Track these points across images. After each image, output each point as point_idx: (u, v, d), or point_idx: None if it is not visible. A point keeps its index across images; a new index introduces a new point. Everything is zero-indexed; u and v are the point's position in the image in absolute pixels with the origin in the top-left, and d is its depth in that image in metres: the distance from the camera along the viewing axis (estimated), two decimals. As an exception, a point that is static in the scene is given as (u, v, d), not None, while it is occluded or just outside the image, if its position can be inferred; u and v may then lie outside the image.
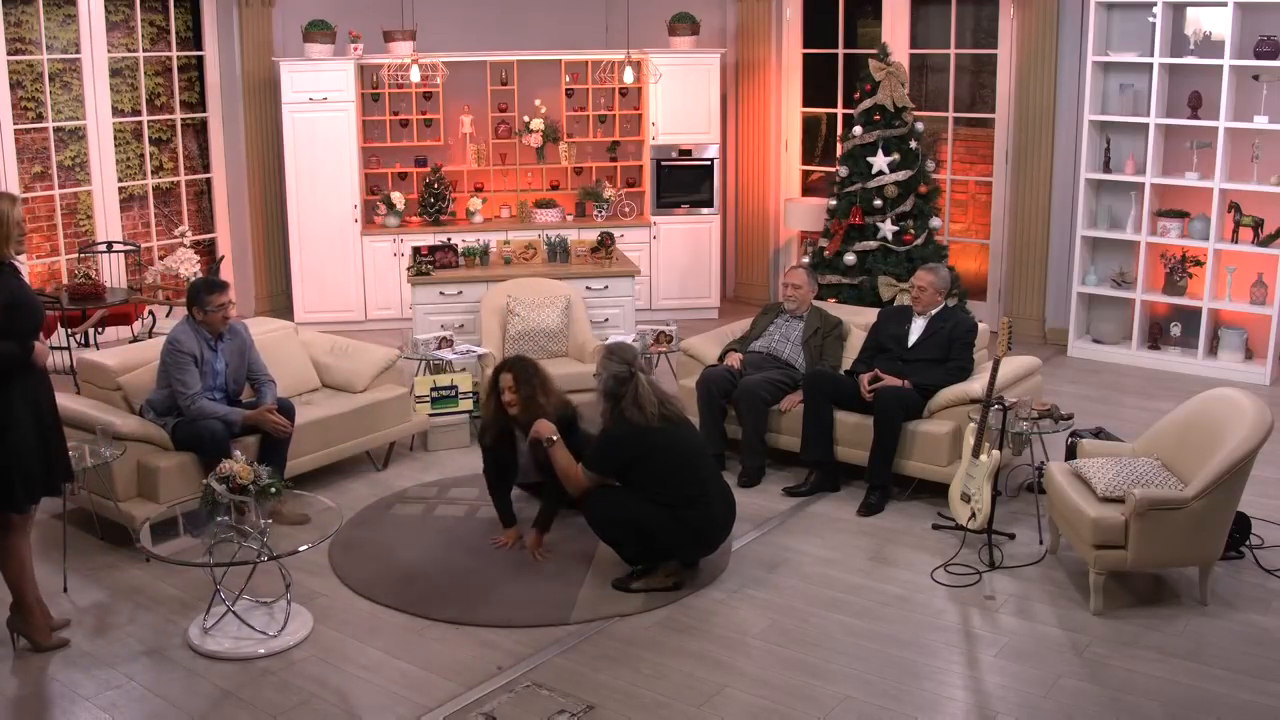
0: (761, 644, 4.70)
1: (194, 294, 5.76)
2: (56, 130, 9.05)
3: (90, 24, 9.03)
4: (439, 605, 4.99)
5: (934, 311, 6.36)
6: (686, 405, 6.08)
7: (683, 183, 10.11)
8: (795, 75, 10.33)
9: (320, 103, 9.54)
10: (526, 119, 9.97)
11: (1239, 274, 8.21)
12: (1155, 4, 8.10)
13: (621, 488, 5.10)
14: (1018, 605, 5.00)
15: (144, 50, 9.47)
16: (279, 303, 10.15)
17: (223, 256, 9.76)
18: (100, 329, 8.49)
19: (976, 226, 9.95)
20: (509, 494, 5.67)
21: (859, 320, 6.88)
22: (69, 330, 8.18)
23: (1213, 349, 8.39)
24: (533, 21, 10.31)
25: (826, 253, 8.55)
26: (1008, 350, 5.59)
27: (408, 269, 8.04)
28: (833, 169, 8.91)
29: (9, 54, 8.61)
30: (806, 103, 10.41)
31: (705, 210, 10.16)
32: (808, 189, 10.60)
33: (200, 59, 9.84)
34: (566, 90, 10.09)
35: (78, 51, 9.02)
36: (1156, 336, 8.68)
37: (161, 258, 9.35)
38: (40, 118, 8.94)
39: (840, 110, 10.06)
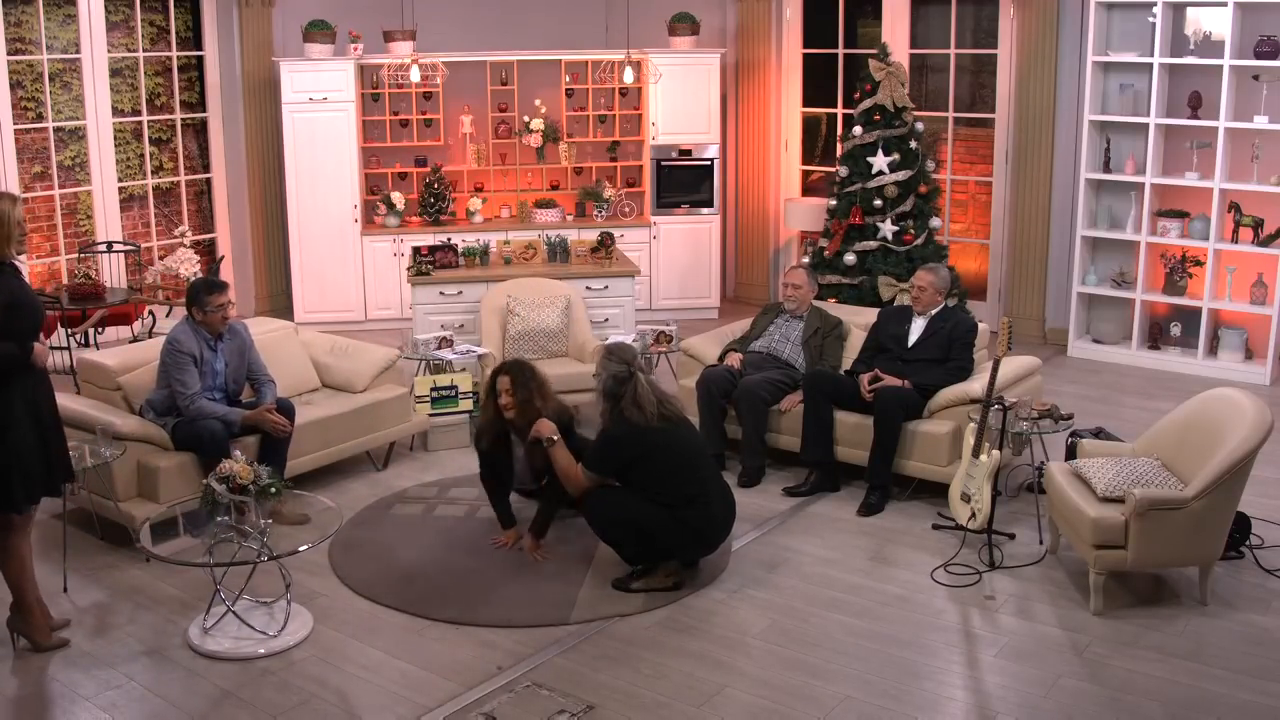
0: (761, 644, 4.70)
1: (193, 294, 5.76)
2: (56, 130, 9.05)
3: (90, 24, 9.03)
4: (439, 605, 4.99)
5: (934, 311, 6.36)
6: (686, 405, 6.08)
7: (683, 183, 10.11)
8: (795, 75, 10.33)
9: (320, 103, 9.54)
10: (526, 119, 9.97)
11: (1239, 274, 8.21)
12: (1155, 4, 8.10)
13: (621, 488, 5.10)
14: (1018, 605, 5.00)
15: (144, 50, 9.47)
16: (279, 303, 10.15)
17: (223, 256, 9.76)
18: (100, 329, 8.49)
19: (976, 226, 9.95)
20: (507, 496, 5.67)
21: (859, 320, 6.87)
22: (69, 330, 8.18)
23: (1213, 349, 8.39)
24: (533, 21, 10.31)
25: (826, 253, 8.55)
26: (1008, 350, 5.59)
27: (408, 269, 8.04)
28: (833, 169, 8.91)
29: (9, 54, 8.61)
30: (806, 103, 10.41)
31: (705, 210, 10.16)
32: (808, 189, 10.60)
33: (200, 59, 9.84)
34: (566, 90, 10.09)
35: (78, 51, 9.02)
36: (1156, 336, 8.68)
37: (161, 258, 9.35)
38: (40, 118, 8.94)
39: (840, 110, 10.06)
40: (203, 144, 10.02)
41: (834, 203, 8.61)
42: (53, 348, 7.16)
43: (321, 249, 9.74)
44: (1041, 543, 5.55)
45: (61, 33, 9.00)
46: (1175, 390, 7.64)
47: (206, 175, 10.04)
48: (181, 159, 9.84)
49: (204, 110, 9.92)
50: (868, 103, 8.42)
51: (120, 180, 9.40)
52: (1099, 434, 5.96)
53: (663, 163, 10.05)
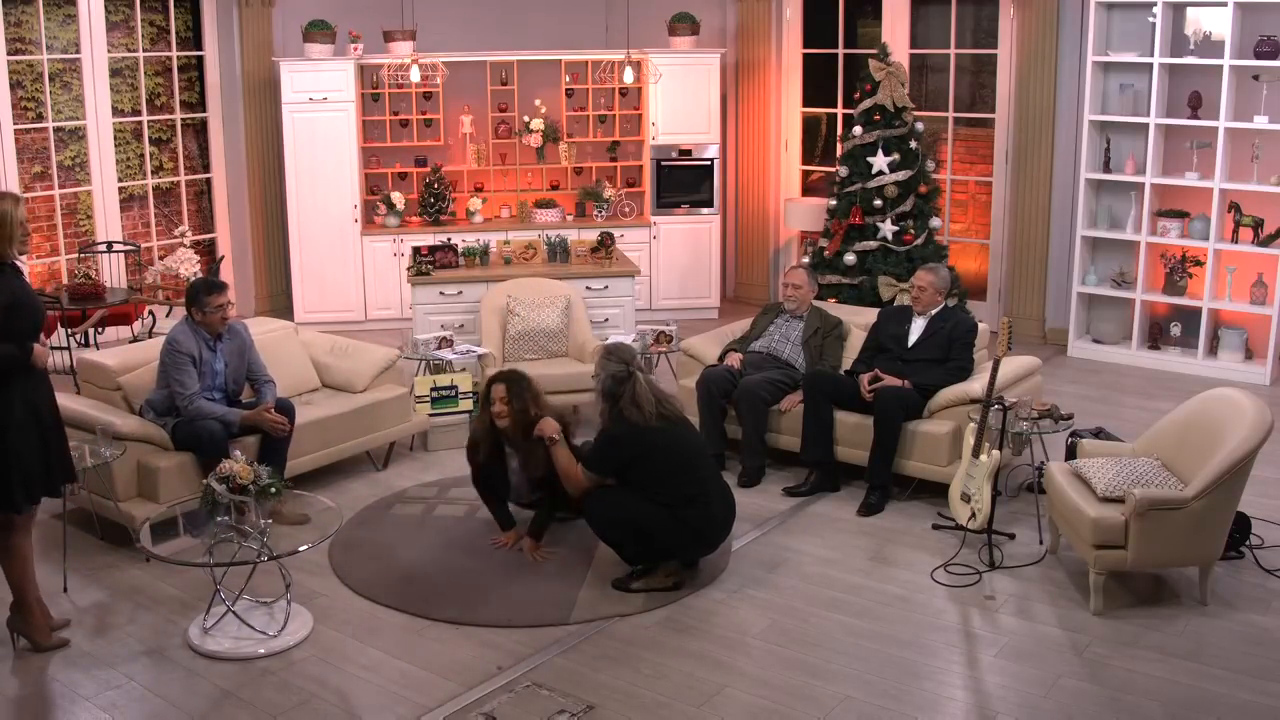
0: (761, 644, 4.70)
1: (193, 295, 5.76)
2: (56, 130, 9.05)
3: (90, 24, 9.03)
4: (439, 605, 4.99)
5: (934, 311, 6.36)
6: (686, 405, 6.08)
7: (683, 183, 10.11)
8: (795, 75, 10.33)
9: (320, 103, 9.54)
10: (526, 119, 9.97)
11: (1239, 274, 8.22)
12: (1155, 4, 8.10)
13: (621, 488, 5.10)
14: (1018, 605, 5.00)
15: (144, 50, 9.47)
16: (279, 303, 10.15)
17: (223, 256, 9.76)
18: (100, 329, 8.49)
19: (976, 226, 9.95)
20: (504, 502, 5.66)
21: (859, 320, 6.87)
22: (69, 330, 8.18)
23: (1213, 349, 8.39)
24: (533, 21, 10.31)
25: (826, 253, 8.55)
26: (1008, 350, 5.59)
27: (408, 269, 8.04)
28: (833, 169, 8.92)
29: (9, 54, 8.61)
30: (806, 103, 10.41)
31: (705, 210, 10.16)
32: (808, 189, 10.60)
33: (200, 59, 9.84)
34: (566, 90, 10.09)
35: (78, 51, 9.02)
36: (1156, 336, 8.68)
37: (161, 258, 9.35)
38: (40, 118, 8.94)
39: (840, 110, 10.06)
40: (203, 144, 10.02)
41: (834, 203, 8.62)
42: (53, 348, 7.16)
43: (321, 249, 9.74)
44: (1041, 543, 5.55)
45: (61, 33, 9.00)
46: (1175, 390, 7.64)
47: (206, 175, 10.04)
48: (181, 159, 9.84)
49: (204, 110, 9.92)
50: (868, 103, 8.43)
51: (120, 180, 9.40)
52: (1099, 434, 5.96)
53: (663, 163, 10.05)
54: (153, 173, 9.64)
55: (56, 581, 5.14)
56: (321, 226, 9.72)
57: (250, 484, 4.63)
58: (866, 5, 10.00)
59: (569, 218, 10.04)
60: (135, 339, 8.43)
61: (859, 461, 6.18)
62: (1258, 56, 7.82)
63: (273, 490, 4.68)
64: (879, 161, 8.35)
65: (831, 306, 7.23)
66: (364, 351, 6.90)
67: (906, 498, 6.12)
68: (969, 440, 5.51)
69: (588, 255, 8.25)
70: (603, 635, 4.76)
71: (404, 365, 7.13)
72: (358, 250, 9.77)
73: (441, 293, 7.88)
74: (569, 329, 7.47)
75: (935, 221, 8.50)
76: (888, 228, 8.34)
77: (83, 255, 8.77)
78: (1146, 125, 8.31)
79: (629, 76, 9.37)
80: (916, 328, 6.37)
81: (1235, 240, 8.15)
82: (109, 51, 9.19)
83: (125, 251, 9.13)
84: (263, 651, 4.61)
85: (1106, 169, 8.64)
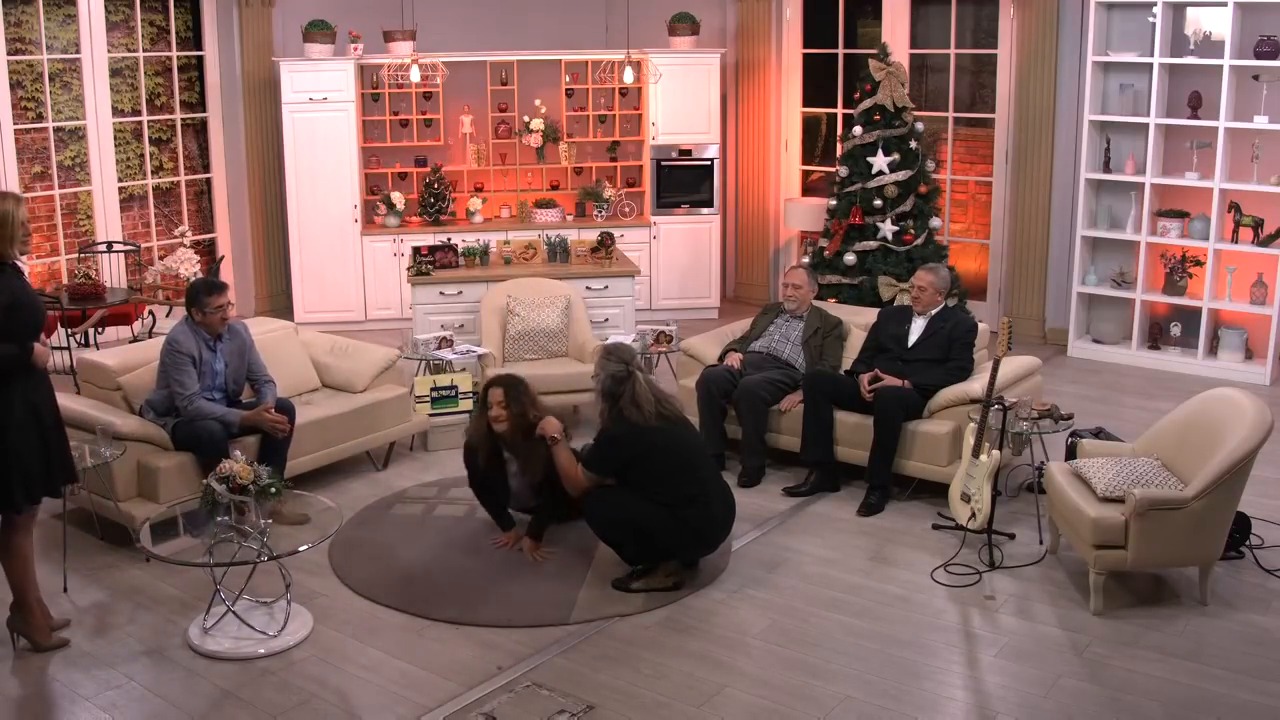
0: (761, 644, 4.70)
1: (193, 295, 5.76)
2: (56, 130, 9.05)
3: (90, 24, 9.03)
4: (439, 605, 4.99)
5: (934, 311, 6.36)
6: (686, 405, 6.08)
7: (683, 183, 10.11)
8: (795, 75, 10.33)
9: (320, 103, 9.54)
10: (526, 119, 9.97)
11: (1239, 274, 8.22)
12: (1155, 4, 8.10)
13: (621, 488, 5.10)
14: (1018, 605, 5.00)
15: (144, 50, 9.47)
16: (279, 303, 10.15)
17: (223, 256, 9.76)
18: (100, 329, 8.49)
19: (976, 226, 9.95)
20: (503, 503, 5.66)
21: (859, 320, 6.87)
22: (69, 330, 8.18)
23: (1213, 349, 8.39)
24: (533, 21, 10.31)
25: (826, 253, 8.55)
26: (1008, 350, 5.59)
27: (408, 269, 8.04)
28: (833, 169, 8.92)
29: (9, 54, 8.61)
30: (806, 103, 10.41)
31: (705, 210, 10.16)
32: (808, 189, 10.60)
33: (200, 59, 9.84)
34: (566, 90, 10.09)
35: (78, 51, 9.02)
36: (1156, 336, 8.68)
37: (161, 258, 9.35)
38: (40, 118, 8.94)
39: (840, 110, 10.06)
40: (203, 144, 10.02)
41: (834, 203, 8.62)
42: (53, 348, 7.14)
43: (321, 249, 9.74)
44: (1041, 543, 5.55)
45: (61, 33, 9.00)
46: (1175, 390, 7.64)
47: (206, 175, 10.04)
48: (181, 159, 9.84)
49: (204, 110, 9.92)
50: (868, 103, 8.43)
51: (120, 180, 9.40)
52: (1099, 434, 5.96)
53: (663, 163, 10.05)
54: (153, 173, 9.64)
55: (56, 581, 5.14)
56: (321, 226, 9.72)
57: (250, 484, 4.63)
58: (866, 5, 10.00)
59: (569, 218, 10.04)
60: (135, 339, 8.43)
61: (859, 461, 6.18)
62: (1258, 56, 7.82)
63: (273, 490, 4.69)
64: (879, 161, 8.35)
65: (831, 306, 7.23)
66: (364, 351, 6.90)
67: (906, 498, 6.12)
68: (969, 440, 5.51)
69: (588, 255, 8.25)
70: (603, 635, 4.76)
71: (404, 365, 7.13)
72: (358, 250, 9.77)
73: (441, 293, 7.88)
74: (569, 329, 7.47)
75: (935, 221, 8.50)
76: (888, 228, 8.34)
77: (83, 255, 8.77)
78: (1146, 125, 8.31)
79: (629, 76, 9.37)
80: (916, 328, 6.37)
81: (1235, 240, 8.15)
82: (109, 51, 9.19)
83: (125, 251, 9.13)
84: (263, 651, 4.61)
85: (1106, 169, 8.64)
